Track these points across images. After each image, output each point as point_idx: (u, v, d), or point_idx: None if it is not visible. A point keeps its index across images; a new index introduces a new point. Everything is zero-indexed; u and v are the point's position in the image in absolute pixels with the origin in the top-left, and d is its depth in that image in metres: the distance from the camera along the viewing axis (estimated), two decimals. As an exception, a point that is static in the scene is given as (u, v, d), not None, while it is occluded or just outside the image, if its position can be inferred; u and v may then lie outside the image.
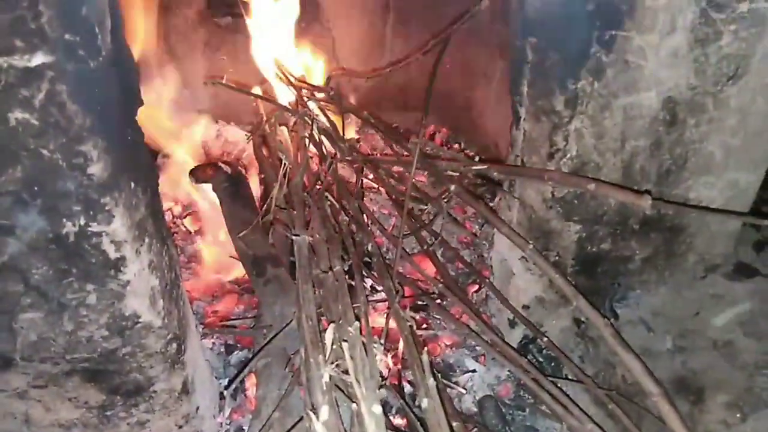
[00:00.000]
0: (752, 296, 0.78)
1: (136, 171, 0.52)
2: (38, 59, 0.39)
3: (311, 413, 0.52)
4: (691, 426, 0.65)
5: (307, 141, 0.81)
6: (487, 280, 0.84)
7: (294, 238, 0.72)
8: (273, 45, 1.06)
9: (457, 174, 0.77)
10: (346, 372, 0.57)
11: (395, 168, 0.90)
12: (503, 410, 0.77)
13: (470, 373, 0.79)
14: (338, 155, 0.77)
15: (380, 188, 0.86)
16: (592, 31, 0.53)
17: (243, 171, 0.84)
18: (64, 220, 0.46)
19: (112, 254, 0.50)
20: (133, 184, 0.50)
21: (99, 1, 0.45)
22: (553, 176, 0.62)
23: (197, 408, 0.67)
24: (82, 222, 0.46)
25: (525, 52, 0.63)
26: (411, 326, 0.72)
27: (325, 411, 0.53)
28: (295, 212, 0.74)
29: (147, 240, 0.53)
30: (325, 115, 0.86)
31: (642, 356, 0.70)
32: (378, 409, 0.54)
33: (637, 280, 0.78)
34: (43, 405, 0.57)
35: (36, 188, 0.44)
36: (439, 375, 0.77)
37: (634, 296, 0.79)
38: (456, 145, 1.18)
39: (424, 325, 0.83)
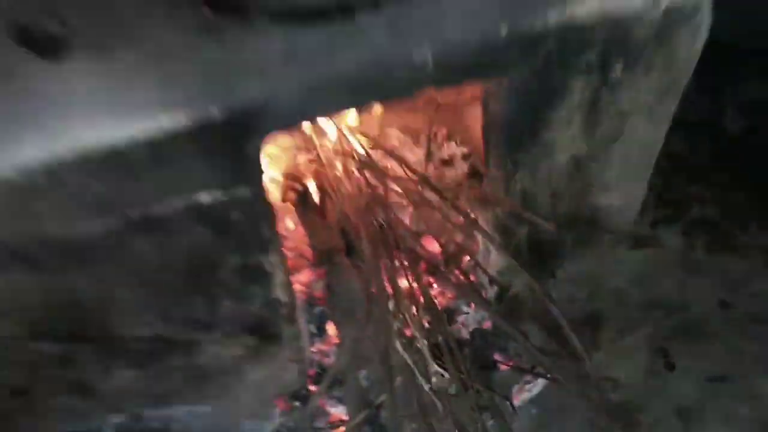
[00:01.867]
0: (644, 260, 1.19)
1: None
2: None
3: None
4: (591, 344, 1.08)
5: (349, 166, 1.21)
6: (475, 254, 1.25)
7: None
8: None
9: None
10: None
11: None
12: (487, 337, 1.16)
13: (465, 315, 1.15)
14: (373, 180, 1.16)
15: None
16: (525, 134, 0.90)
17: (309, 188, 1.25)
18: (251, 256, 0.80)
19: (269, 269, 0.86)
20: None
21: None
22: (505, 204, 1.02)
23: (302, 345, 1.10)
24: (259, 257, 0.84)
25: (489, 136, 0.98)
26: (426, 287, 1.14)
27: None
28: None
29: (281, 260, 0.93)
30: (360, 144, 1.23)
31: (567, 302, 1.13)
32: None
33: (570, 253, 1.14)
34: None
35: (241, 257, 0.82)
36: (446, 314, 1.21)
37: (568, 264, 1.17)
38: (453, 143, 1.56)
39: (435, 284, 1.26)
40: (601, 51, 0.80)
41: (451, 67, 0.74)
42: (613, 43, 0.80)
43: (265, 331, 0.94)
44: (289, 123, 0.72)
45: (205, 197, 0.73)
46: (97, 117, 0.67)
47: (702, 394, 0.95)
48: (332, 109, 0.76)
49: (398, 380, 0.93)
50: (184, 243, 0.78)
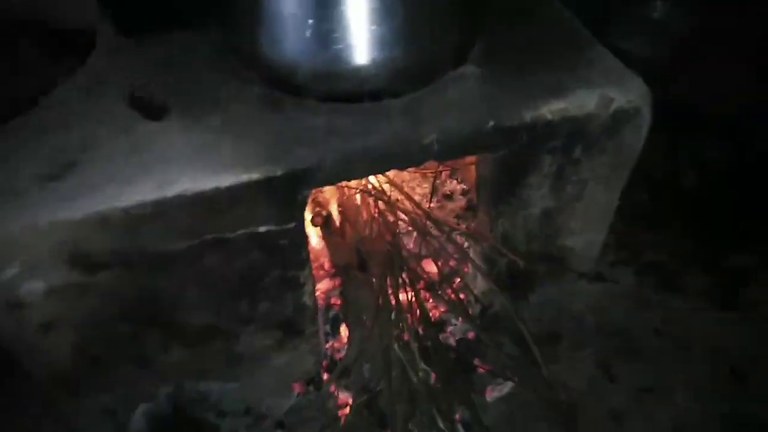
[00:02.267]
0: (600, 292, 1.44)
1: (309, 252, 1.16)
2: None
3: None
4: (550, 356, 1.34)
5: (366, 198, 1.46)
6: (464, 277, 1.51)
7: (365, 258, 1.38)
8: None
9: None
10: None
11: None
12: (470, 345, 1.44)
13: (453, 326, 1.34)
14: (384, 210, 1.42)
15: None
16: (505, 192, 1.16)
17: (332, 214, 1.51)
18: (290, 271, 1.06)
19: (302, 281, 1.13)
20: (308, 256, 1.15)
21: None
22: (489, 241, 1.28)
23: (319, 341, 1.36)
24: (296, 272, 1.11)
25: (479, 191, 1.24)
26: (423, 301, 1.40)
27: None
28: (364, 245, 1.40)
29: (311, 274, 1.19)
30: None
31: (534, 322, 1.38)
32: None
33: (541, 283, 1.37)
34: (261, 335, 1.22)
35: (282, 271, 1.03)
36: (438, 325, 1.46)
37: (538, 291, 1.43)
38: (455, 180, 1.81)
39: (430, 300, 1.51)
40: (564, 139, 1.05)
41: (450, 147, 1.00)
42: (574, 134, 1.05)
43: (291, 328, 1.12)
44: (330, 182, 0.98)
45: (263, 228, 0.99)
46: (191, 169, 0.93)
47: (632, 401, 1.20)
48: (362, 174, 1.02)
49: (394, 374, 1.19)
50: (242, 259, 1.03)
